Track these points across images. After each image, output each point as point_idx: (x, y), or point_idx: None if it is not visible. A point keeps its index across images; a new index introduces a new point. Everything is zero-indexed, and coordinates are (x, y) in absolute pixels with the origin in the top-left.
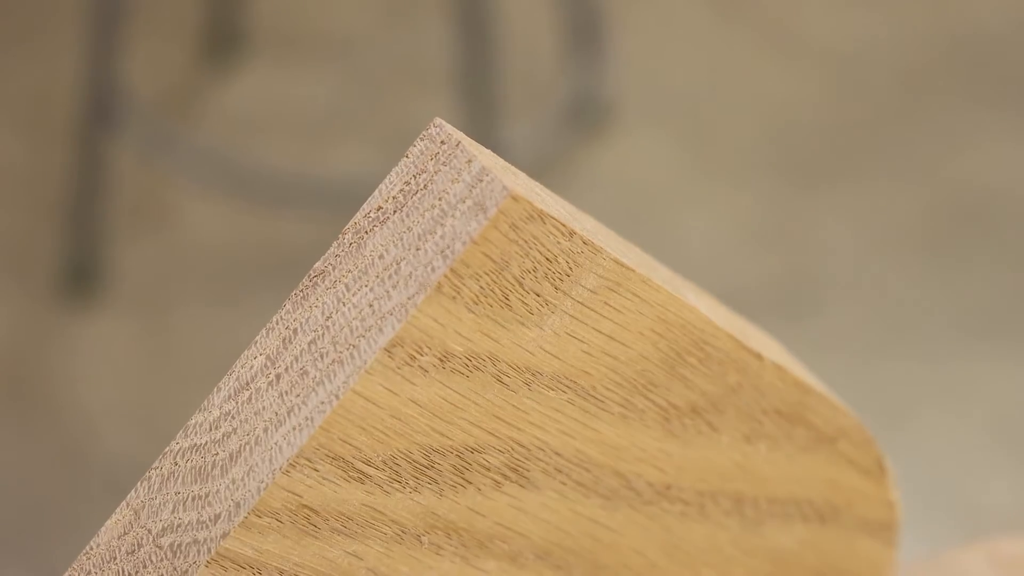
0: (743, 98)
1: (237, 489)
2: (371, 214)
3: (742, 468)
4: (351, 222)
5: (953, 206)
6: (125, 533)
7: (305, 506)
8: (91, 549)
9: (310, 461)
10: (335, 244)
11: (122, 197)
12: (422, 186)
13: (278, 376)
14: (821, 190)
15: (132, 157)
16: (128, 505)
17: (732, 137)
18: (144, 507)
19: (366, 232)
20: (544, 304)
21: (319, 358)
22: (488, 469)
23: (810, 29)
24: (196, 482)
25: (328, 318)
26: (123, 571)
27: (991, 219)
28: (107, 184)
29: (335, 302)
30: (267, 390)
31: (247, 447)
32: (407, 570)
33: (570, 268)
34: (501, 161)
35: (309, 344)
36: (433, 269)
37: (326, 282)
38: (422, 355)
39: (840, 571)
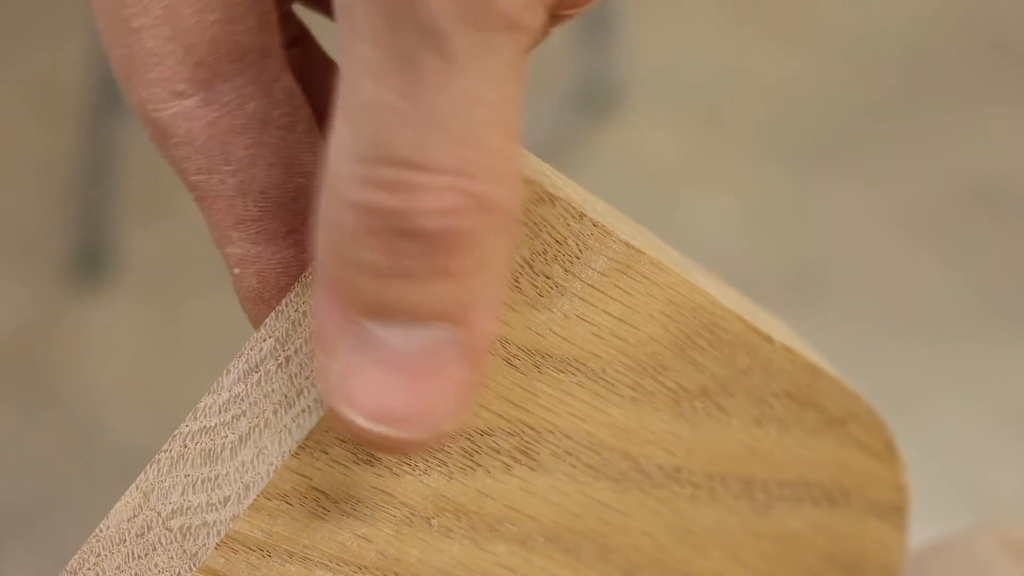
0: (752, 81)
1: (247, 471)
2: None
3: (752, 451)
4: None
5: (964, 189)
6: (135, 516)
7: (315, 488)
8: (100, 532)
9: (320, 444)
10: None
11: (132, 182)
12: None
13: (287, 358)
14: (831, 173)
15: (142, 142)
16: (138, 488)
17: (741, 120)
18: (153, 489)
19: None
20: (554, 286)
21: None
22: (498, 452)
23: (820, 12)
24: (205, 464)
25: None
26: (133, 553)
27: (1003, 202)
28: (117, 168)
29: None
30: (276, 372)
31: (256, 430)
32: (417, 553)
33: (580, 250)
34: None
35: None
36: None
37: None
38: None
39: (849, 554)
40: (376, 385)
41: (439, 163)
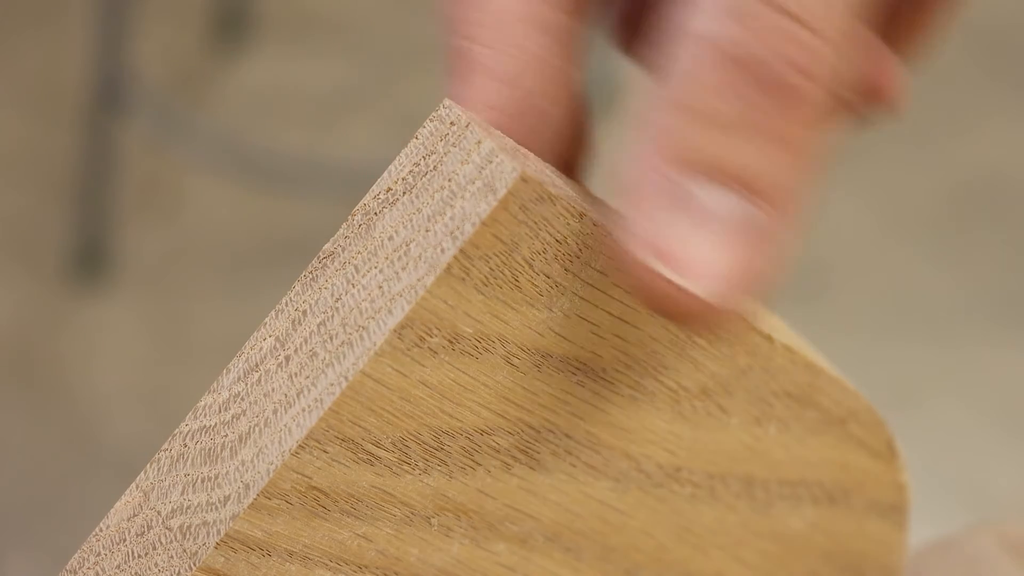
0: None
1: (247, 471)
2: (381, 195)
3: (752, 450)
4: (360, 203)
5: (966, 189)
6: (135, 515)
7: (314, 488)
8: (100, 531)
9: (319, 443)
10: (345, 225)
11: (131, 180)
12: (432, 167)
13: (287, 358)
14: (830, 173)
15: (141, 140)
16: (138, 487)
17: None
18: (154, 489)
19: (376, 213)
20: (554, 285)
21: (329, 340)
22: (498, 451)
23: None
24: (205, 464)
25: (338, 300)
26: (132, 553)
27: (1004, 202)
28: (116, 167)
29: (345, 283)
30: (277, 372)
31: (256, 429)
32: (417, 552)
33: (580, 249)
34: (511, 142)
35: (319, 326)
36: (443, 250)
37: (336, 263)
38: (432, 336)
39: (850, 553)
40: (688, 241)
41: (819, 25)
